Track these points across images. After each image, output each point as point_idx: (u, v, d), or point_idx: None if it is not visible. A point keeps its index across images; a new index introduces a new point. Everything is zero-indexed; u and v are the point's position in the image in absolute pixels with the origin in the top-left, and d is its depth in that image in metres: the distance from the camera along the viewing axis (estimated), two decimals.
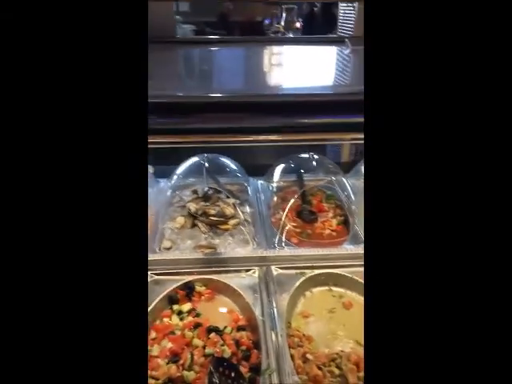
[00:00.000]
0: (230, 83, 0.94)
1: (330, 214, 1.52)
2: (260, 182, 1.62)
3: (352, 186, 1.62)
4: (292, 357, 0.91)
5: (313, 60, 1.24)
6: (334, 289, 1.18)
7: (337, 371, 0.90)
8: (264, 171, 1.62)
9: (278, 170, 1.57)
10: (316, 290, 1.18)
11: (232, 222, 1.35)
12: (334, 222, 1.47)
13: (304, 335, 1.00)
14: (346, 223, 1.46)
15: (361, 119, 0.51)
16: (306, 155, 1.54)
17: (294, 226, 1.46)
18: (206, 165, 1.49)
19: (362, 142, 0.52)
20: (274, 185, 1.55)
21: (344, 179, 1.67)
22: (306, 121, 0.75)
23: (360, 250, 1.25)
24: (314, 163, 1.57)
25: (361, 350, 0.97)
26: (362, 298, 1.14)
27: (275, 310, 1.02)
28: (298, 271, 1.18)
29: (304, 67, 1.11)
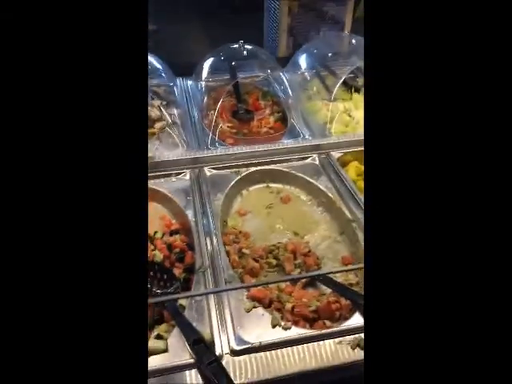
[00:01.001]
0: None
1: (267, 111, 1.42)
2: (189, 82, 1.46)
3: (289, 80, 1.52)
4: (227, 253, 0.88)
5: None
6: (271, 185, 1.14)
7: (274, 262, 0.89)
8: (193, 70, 1.46)
9: (207, 65, 1.41)
10: (253, 188, 1.13)
11: (158, 125, 1.22)
12: (272, 119, 1.39)
13: (240, 232, 0.97)
14: (283, 119, 1.38)
15: None
16: (237, 45, 1.38)
17: (229, 127, 1.36)
18: None
19: None
20: (204, 83, 1.40)
21: (281, 73, 1.55)
22: None
23: (297, 143, 1.19)
24: (246, 53, 1.42)
25: (298, 240, 0.96)
26: (300, 191, 1.11)
27: (209, 211, 0.97)
28: (233, 170, 1.11)
29: None
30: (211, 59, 1.44)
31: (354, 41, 1.43)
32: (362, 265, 0.88)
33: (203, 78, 1.40)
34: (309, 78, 1.51)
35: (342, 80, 1.32)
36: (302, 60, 1.52)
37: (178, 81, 1.47)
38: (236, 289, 0.76)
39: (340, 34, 1.65)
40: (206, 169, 1.10)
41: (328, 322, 0.75)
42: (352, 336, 0.70)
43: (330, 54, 1.49)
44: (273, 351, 0.68)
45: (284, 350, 0.68)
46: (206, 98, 1.43)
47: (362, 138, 1.18)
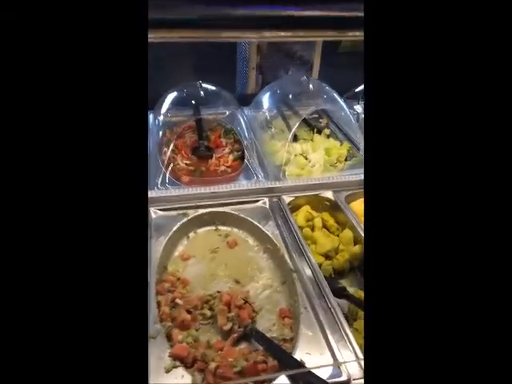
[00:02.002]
0: None
1: (227, 150, 1.42)
2: (149, 115, 1.46)
3: (251, 118, 1.53)
4: (158, 304, 0.84)
5: None
6: (220, 228, 1.11)
7: (209, 313, 0.86)
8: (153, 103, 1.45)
9: (169, 100, 1.41)
10: (201, 230, 1.11)
11: None
12: (231, 157, 1.38)
13: (179, 279, 0.94)
14: (242, 159, 1.37)
15: None
16: (197, 84, 1.39)
17: (187, 164, 1.35)
18: None
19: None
20: (163, 118, 1.39)
21: (245, 110, 1.56)
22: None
23: (250, 185, 1.18)
24: (209, 92, 1.42)
25: (238, 288, 0.93)
26: (247, 235, 1.09)
27: (152, 257, 0.94)
28: (181, 212, 1.09)
29: None
30: (174, 94, 1.44)
31: (314, 84, 1.45)
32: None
33: (162, 112, 1.39)
34: (271, 117, 1.52)
35: (300, 120, 1.32)
36: (266, 99, 1.54)
37: None
38: None
39: (305, 74, 1.67)
40: (151, 209, 1.08)
41: None
42: None
43: (292, 94, 1.50)
44: None
45: None
46: (166, 133, 1.42)
47: (316, 182, 1.20)
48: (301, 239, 1.00)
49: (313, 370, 0.69)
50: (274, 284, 0.96)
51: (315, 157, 1.32)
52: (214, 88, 1.46)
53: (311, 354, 0.74)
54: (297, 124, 1.34)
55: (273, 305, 0.91)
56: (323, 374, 0.69)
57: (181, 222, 1.06)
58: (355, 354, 0.75)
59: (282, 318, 0.87)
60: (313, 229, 1.09)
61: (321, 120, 1.61)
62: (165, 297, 0.85)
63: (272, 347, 0.76)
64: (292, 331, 0.83)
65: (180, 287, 0.91)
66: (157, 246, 0.98)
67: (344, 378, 0.70)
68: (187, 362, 0.73)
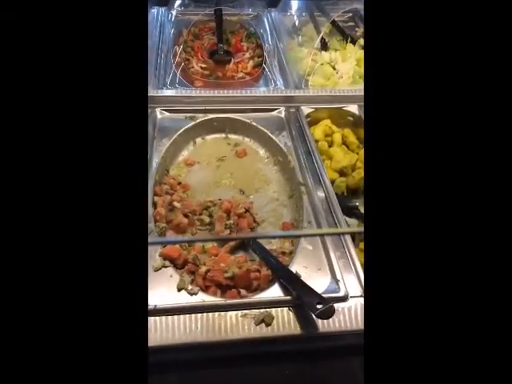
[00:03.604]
0: None
1: (247, 55, 1.29)
2: (163, 10, 1.32)
3: (278, 23, 1.36)
4: (154, 204, 0.80)
5: None
6: (230, 136, 1.03)
7: (208, 219, 0.81)
8: None
9: None
10: (210, 136, 1.03)
11: None
12: (251, 63, 1.26)
13: (180, 183, 0.88)
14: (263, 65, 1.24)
15: None
16: None
17: (202, 68, 1.24)
18: None
19: None
20: (175, 13, 1.25)
21: (273, 13, 1.39)
22: None
23: (265, 92, 1.07)
24: None
25: (240, 199, 0.87)
26: (258, 145, 1.01)
27: (153, 158, 0.88)
28: (188, 115, 1.00)
29: None
30: None
31: None
32: (294, 232, 0.80)
33: (176, 6, 1.25)
34: (300, 22, 1.35)
35: (329, 24, 1.16)
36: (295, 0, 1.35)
37: (154, 10, 1.33)
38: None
39: None
40: (157, 110, 1.00)
41: (243, 292, 0.68)
42: (260, 310, 0.63)
43: None
44: (168, 316, 0.61)
45: (181, 316, 0.61)
46: (182, 33, 1.29)
47: (341, 94, 1.07)
48: (315, 152, 0.91)
49: (308, 283, 0.64)
50: (280, 197, 0.89)
51: (344, 67, 1.16)
52: None
53: (308, 268, 0.69)
54: (325, 26, 1.17)
55: (276, 218, 0.85)
56: (319, 287, 0.65)
57: (187, 126, 0.98)
58: (357, 273, 0.69)
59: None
60: (331, 144, 0.99)
61: (357, 29, 1.42)
62: (162, 198, 0.81)
63: (267, 257, 0.71)
64: (293, 245, 0.78)
65: (180, 191, 0.86)
66: (159, 148, 0.91)
67: (341, 293, 0.65)
68: (177, 264, 0.70)
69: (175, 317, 0.61)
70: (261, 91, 1.07)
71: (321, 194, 0.83)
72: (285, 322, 0.62)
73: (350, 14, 1.43)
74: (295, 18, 1.37)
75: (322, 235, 0.74)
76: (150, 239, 0.69)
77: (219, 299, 0.65)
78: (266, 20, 1.37)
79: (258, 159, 0.98)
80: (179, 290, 0.65)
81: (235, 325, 0.61)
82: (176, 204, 0.81)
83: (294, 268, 0.69)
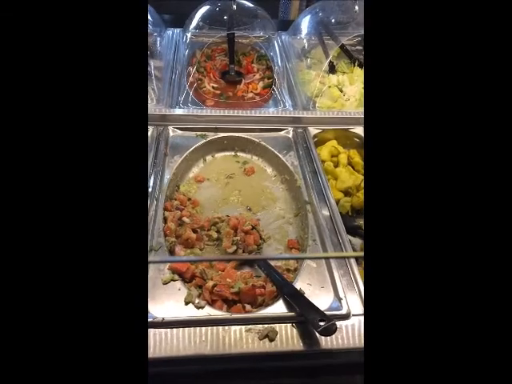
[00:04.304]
0: None
1: (258, 76, 1.33)
2: (177, 31, 1.37)
3: (288, 45, 1.41)
4: (165, 219, 0.83)
5: None
6: (239, 154, 1.07)
7: (215, 235, 0.84)
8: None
9: (199, 15, 1.31)
10: (219, 154, 1.06)
11: None
12: (261, 84, 1.30)
13: (190, 199, 0.91)
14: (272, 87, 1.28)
15: None
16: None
17: (214, 88, 1.28)
18: None
19: None
20: (190, 36, 1.31)
21: (283, 36, 1.44)
22: None
23: (274, 113, 1.11)
24: (244, 11, 1.31)
25: (247, 215, 0.89)
26: (266, 164, 1.04)
27: (159, 173, 0.91)
28: (199, 133, 1.04)
29: None
30: (205, 8, 1.33)
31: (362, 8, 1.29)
32: (299, 255, 0.82)
33: (191, 28, 1.31)
34: (310, 44, 1.39)
35: (338, 45, 1.20)
36: (305, 22, 1.40)
37: (170, 32, 1.39)
38: (154, 262, 0.71)
39: None
40: (170, 128, 1.04)
41: (248, 307, 0.70)
42: (264, 325, 0.65)
43: (335, 19, 1.35)
44: (175, 329, 0.63)
45: (186, 329, 0.63)
46: (196, 54, 1.35)
47: (348, 116, 1.11)
48: (321, 172, 0.94)
49: (312, 300, 0.65)
50: (286, 215, 0.92)
51: (351, 90, 1.20)
52: (251, 5, 1.34)
53: (312, 285, 0.71)
54: (334, 49, 1.22)
55: (282, 235, 0.87)
56: (322, 305, 0.66)
57: (198, 144, 1.02)
58: (359, 291, 0.71)
59: (289, 249, 0.84)
60: (337, 165, 1.02)
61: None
62: (172, 213, 0.84)
63: (273, 274, 0.73)
64: (297, 262, 0.80)
65: (189, 207, 0.89)
66: (171, 165, 0.95)
67: (344, 311, 0.66)
68: (186, 278, 0.72)
69: (181, 329, 0.63)
70: (270, 112, 1.11)
71: (326, 213, 0.85)
72: (288, 337, 0.63)
73: (359, 39, 1.48)
74: (305, 41, 1.41)
75: (327, 258, 0.76)
76: (153, 258, 0.73)
77: (225, 313, 0.67)
78: (276, 43, 1.42)
79: (265, 177, 1.01)
80: (186, 303, 0.67)
81: (239, 339, 0.63)
82: (185, 219, 0.84)
83: (298, 285, 0.71)
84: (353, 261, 0.75)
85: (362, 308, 0.68)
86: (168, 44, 1.33)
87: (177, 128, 1.04)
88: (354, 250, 0.81)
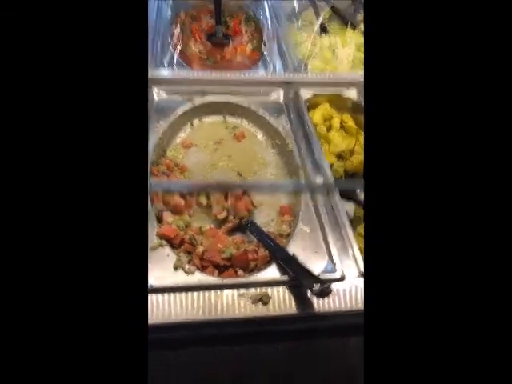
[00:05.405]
0: None
1: (246, 38, 1.27)
2: None
3: (277, 7, 1.34)
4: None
5: None
6: (228, 118, 1.02)
7: (205, 201, 0.81)
8: None
9: None
10: (208, 119, 1.02)
11: None
12: (249, 46, 1.24)
13: (177, 165, 0.88)
14: (261, 49, 1.22)
15: None
16: None
17: (200, 51, 1.22)
18: None
19: None
20: None
21: None
22: None
23: (264, 76, 1.06)
24: None
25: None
26: (257, 129, 1.00)
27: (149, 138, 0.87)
28: (186, 96, 0.99)
29: None
30: None
31: None
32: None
33: None
34: (300, 6, 1.33)
35: (328, 9, 1.14)
36: None
37: None
38: None
39: None
40: (154, 90, 0.98)
41: (240, 272, 0.68)
42: (257, 289, 0.63)
43: None
44: (165, 295, 0.61)
45: (177, 295, 0.61)
46: (180, 14, 1.27)
47: (341, 79, 1.07)
48: (313, 136, 0.90)
49: (304, 264, 0.64)
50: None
51: (344, 52, 1.15)
52: None
53: (305, 250, 0.69)
54: (323, 13, 1.17)
55: (274, 201, 0.85)
56: (316, 269, 0.65)
57: (185, 108, 0.97)
58: (354, 256, 0.69)
59: (281, 215, 0.82)
60: (329, 129, 0.99)
61: (358, 14, 1.41)
62: (158, 179, 0.80)
63: (265, 239, 0.71)
64: (290, 227, 0.78)
65: (177, 173, 0.86)
66: (156, 130, 0.90)
67: (337, 275, 0.65)
68: (174, 243, 0.70)
69: (172, 295, 0.61)
70: (260, 74, 1.06)
71: (319, 178, 0.82)
72: (281, 301, 0.62)
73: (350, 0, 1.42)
74: (295, 2, 1.35)
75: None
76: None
77: (216, 278, 0.65)
78: (265, 3, 1.35)
79: (255, 142, 0.97)
80: (175, 268, 0.65)
81: (232, 304, 0.61)
82: None
83: (291, 250, 0.69)
84: (348, 226, 0.73)
85: (357, 272, 0.66)
86: (150, 2, 1.25)
87: (161, 90, 0.99)
88: (348, 214, 0.79)
